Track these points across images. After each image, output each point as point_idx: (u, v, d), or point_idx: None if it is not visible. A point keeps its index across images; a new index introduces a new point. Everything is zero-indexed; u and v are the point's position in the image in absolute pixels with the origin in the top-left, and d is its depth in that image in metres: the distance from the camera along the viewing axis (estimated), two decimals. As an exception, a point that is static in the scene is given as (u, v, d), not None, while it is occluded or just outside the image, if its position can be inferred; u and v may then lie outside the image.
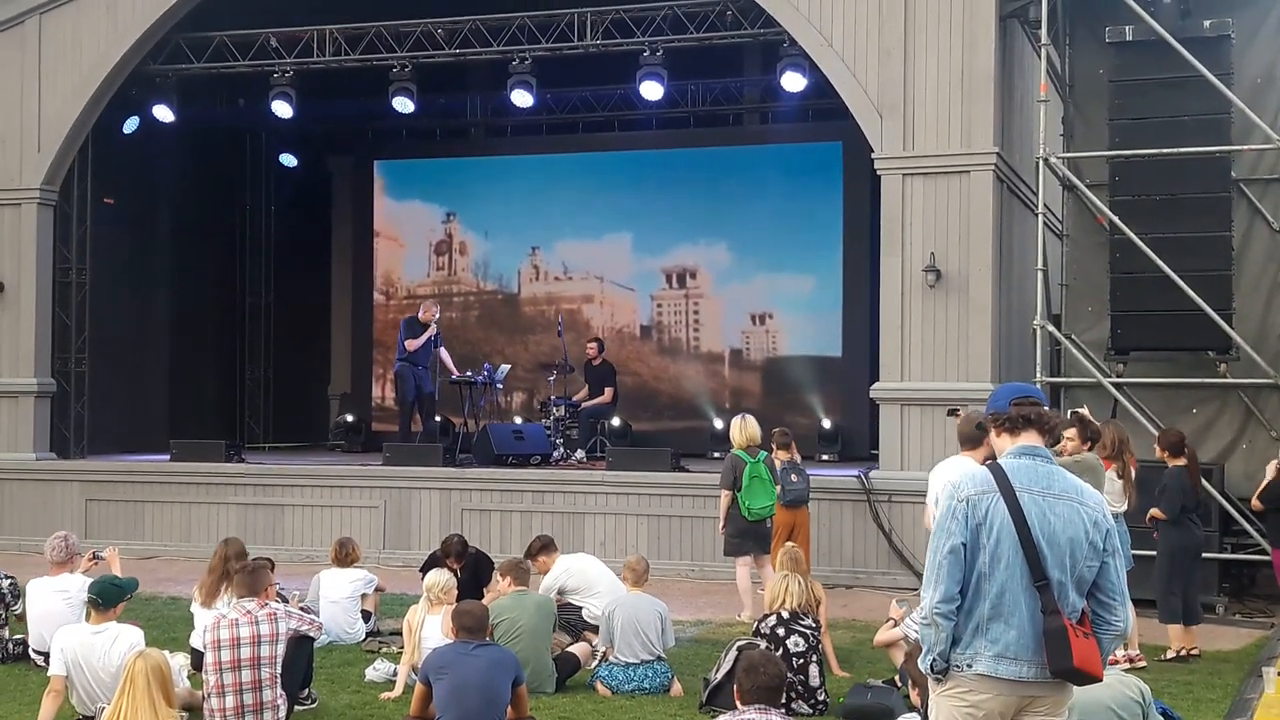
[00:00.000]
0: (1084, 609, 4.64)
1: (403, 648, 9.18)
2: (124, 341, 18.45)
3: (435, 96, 18.67)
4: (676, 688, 8.98)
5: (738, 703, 5.77)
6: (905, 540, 13.48)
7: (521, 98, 16.33)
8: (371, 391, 21.68)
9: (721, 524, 11.72)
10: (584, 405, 17.39)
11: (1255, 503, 11.25)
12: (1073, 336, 13.74)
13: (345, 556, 10.99)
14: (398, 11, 16.36)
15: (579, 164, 20.47)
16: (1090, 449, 9.33)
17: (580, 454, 16.71)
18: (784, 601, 8.63)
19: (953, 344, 13.62)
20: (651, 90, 15.92)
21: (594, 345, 17.82)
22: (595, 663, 9.31)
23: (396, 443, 16.58)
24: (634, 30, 15.48)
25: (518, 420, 18.48)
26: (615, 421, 17.83)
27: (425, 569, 10.20)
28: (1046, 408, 4.90)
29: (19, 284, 16.64)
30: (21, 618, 9.73)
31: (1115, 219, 13.14)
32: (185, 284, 20.12)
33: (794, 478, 12.06)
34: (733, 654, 8.16)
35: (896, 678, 8.56)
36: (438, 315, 17.01)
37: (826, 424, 18.12)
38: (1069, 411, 11.94)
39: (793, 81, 15.28)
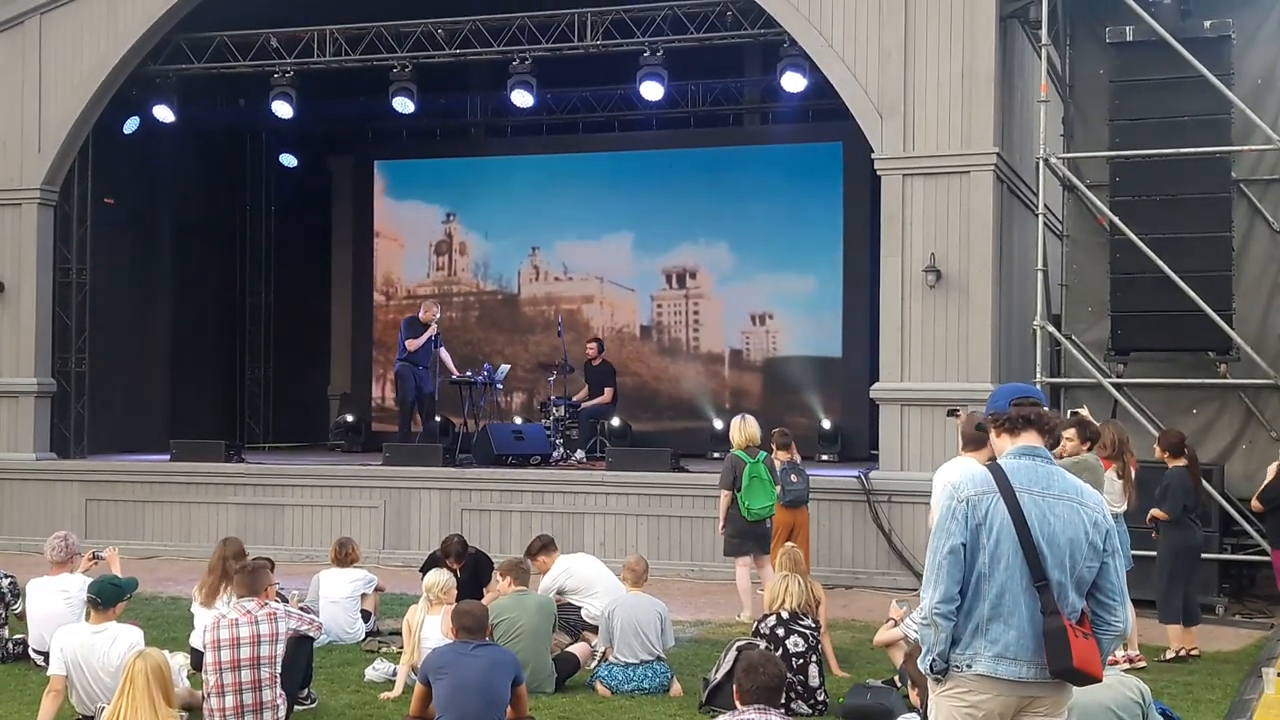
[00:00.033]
0: (1083, 609, 4.64)
1: (402, 648, 9.18)
2: (124, 341, 18.45)
3: (435, 96, 18.68)
4: (676, 688, 8.98)
5: (737, 703, 5.77)
6: (905, 541, 13.48)
7: (522, 98, 16.34)
8: (371, 391, 21.69)
9: (721, 524, 11.72)
10: (584, 405, 17.39)
11: (1255, 503, 11.24)
12: (1073, 337, 13.74)
13: (345, 556, 10.99)
14: (398, 11, 16.36)
15: (579, 164, 20.48)
16: (1089, 449, 9.34)
17: (580, 454, 16.71)
18: (783, 602, 8.63)
19: (953, 344, 13.61)
20: (652, 90, 15.92)
21: (594, 345, 17.82)
22: (595, 663, 9.31)
23: (396, 443, 16.58)
24: (634, 30, 15.48)
25: (517, 420, 18.49)
26: (615, 422, 17.83)
27: (425, 569, 10.19)
28: (1046, 408, 4.90)
29: (19, 284, 16.65)
30: (21, 617, 9.73)
31: (1115, 219, 13.14)
32: (185, 284, 20.14)
33: (794, 478, 12.06)
34: (732, 654, 8.16)
35: (896, 678, 8.57)
36: (438, 315, 17.03)
37: (826, 424, 18.12)
38: (1069, 412, 11.94)
39: (793, 82, 15.28)
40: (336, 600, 10.63)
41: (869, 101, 14.06)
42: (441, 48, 16.35)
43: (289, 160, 21.63)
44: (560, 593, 10.21)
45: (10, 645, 9.79)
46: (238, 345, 21.45)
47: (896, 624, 8.67)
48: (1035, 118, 13.92)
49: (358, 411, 20.59)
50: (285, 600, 8.80)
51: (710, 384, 19.83)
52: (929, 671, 4.72)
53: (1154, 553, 10.40)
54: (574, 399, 17.52)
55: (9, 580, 10.02)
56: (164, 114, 17.21)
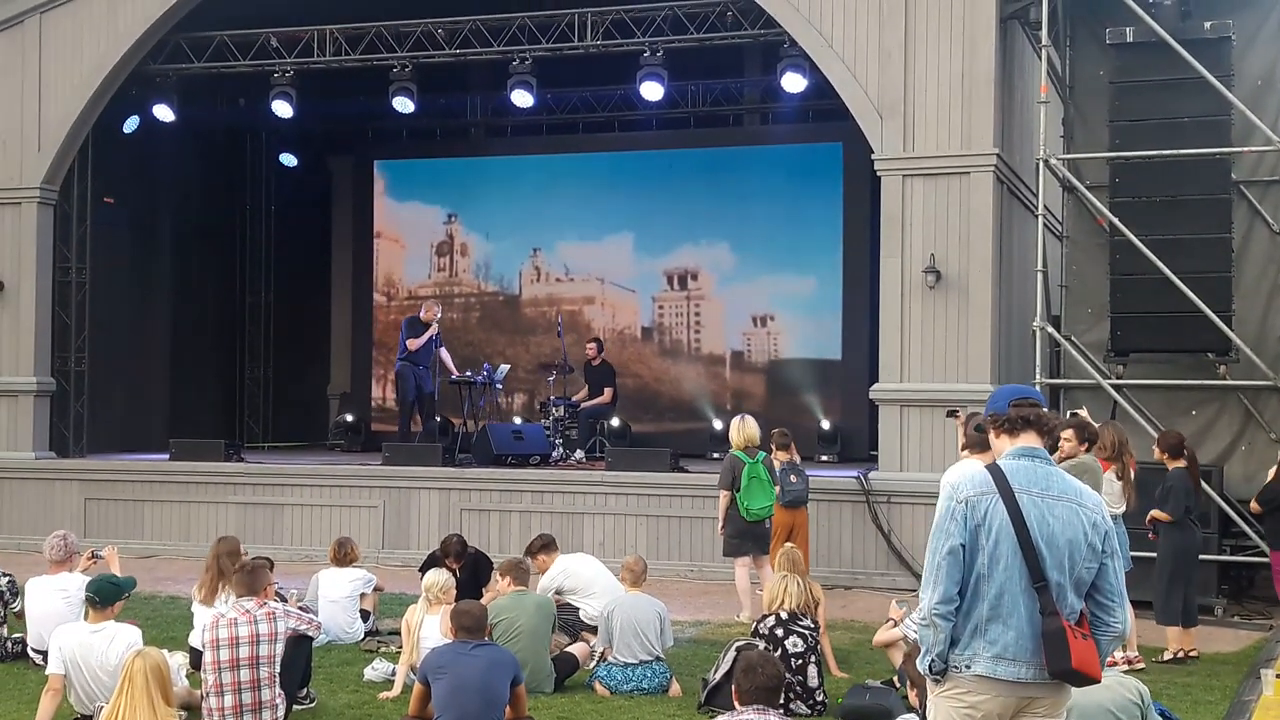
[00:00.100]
0: (1082, 610, 4.64)
1: (401, 647, 9.18)
2: (124, 341, 18.45)
3: (435, 96, 18.68)
4: (675, 688, 8.98)
5: (736, 703, 5.77)
6: (904, 541, 13.47)
7: (522, 98, 16.33)
8: (371, 391, 21.68)
9: (720, 525, 11.71)
10: (583, 406, 17.40)
11: (1254, 505, 11.25)
12: (1072, 338, 13.73)
13: (344, 556, 10.99)
14: (398, 11, 16.36)
15: (580, 164, 20.47)
16: (1088, 450, 9.34)
17: (579, 454, 16.71)
18: (783, 602, 8.62)
19: (952, 345, 13.61)
20: (652, 91, 15.92)
21: (593, 346, 17.83)
22: (594, 663, 9.31)
23: (396, 443, 16.58)
24: (634, 31, 15.48)
25: (517, 420, 18.49)
26: (615, 422, 17.84)
27: (424, 569, 10.20)
28: (1045, 409, 4.91)
29: (19, 283, 16.65)
30: (20, 616, 9.73)
31: (1115, 220, 13.14)
32: (185, 284, 20.14)
33: (793, 478, 12.05)
34: (731, 654, 8.16)
35: (895, 678, 8.57)
36: (439, 315, 17.04)
37: (826, 425, 18.11)
38: (1068, 413, 11.94)
39: (793, 82, 15.28)
40: (335, 600, 10.63)
41: (869, 102, 14.06)
42: (441, 48, 16.35)
43: (289, 160, 21.63)
44: (558, 593, 10.21)
45: (9, 644, 9.78)
46: (237, 345, 21.45)
47: (896, 624, 8.67)
48: (1035, 118, 13.92)
49: (357, 411, 20.59)
50: (284, 600, 8.80)
51: (711, 385, 19.82)
52: (928, 672, 4.72)
53: (1153, 554, 10.40)
54: (574, 399, 17.53)
55: (8, 579, 10.01)
56: (164, 113, 17.21)
